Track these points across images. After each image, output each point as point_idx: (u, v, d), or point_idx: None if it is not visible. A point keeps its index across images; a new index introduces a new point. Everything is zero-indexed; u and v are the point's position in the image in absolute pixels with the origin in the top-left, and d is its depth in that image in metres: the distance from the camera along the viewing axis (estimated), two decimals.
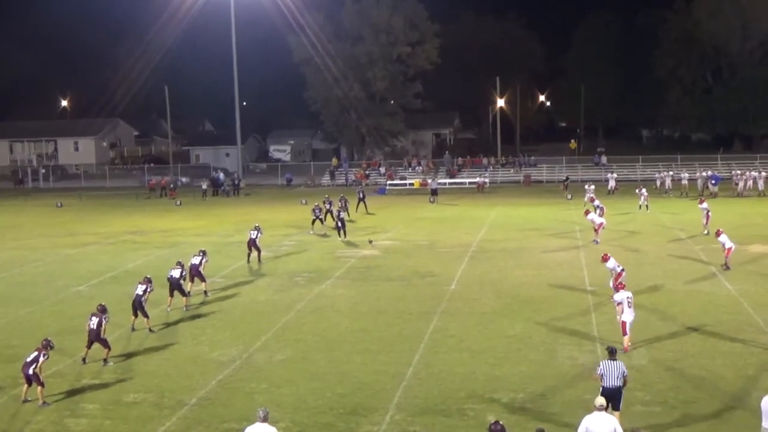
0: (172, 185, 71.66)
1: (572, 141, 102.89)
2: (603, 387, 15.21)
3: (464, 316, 24.67)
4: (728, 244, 29.86)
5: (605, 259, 26.76)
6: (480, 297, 27.27)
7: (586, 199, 50.98)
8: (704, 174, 60.94)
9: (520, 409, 16.90)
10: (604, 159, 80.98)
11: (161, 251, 38.77)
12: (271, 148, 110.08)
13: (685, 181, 60.36)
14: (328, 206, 45.81)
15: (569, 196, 58.45)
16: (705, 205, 40.15)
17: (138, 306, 23.57)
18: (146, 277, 24.56)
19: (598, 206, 43.16)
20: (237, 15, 75.99)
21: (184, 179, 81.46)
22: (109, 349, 20.77)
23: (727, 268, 29.82)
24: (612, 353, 15.77)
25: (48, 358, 18.38)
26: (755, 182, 57.93)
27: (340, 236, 40.63)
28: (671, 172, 64.07)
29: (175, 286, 26.15)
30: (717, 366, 19.34)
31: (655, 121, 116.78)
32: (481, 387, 18.39)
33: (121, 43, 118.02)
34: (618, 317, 20.64)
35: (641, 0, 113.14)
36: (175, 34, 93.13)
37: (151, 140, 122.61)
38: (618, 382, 15.17)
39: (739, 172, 61.92)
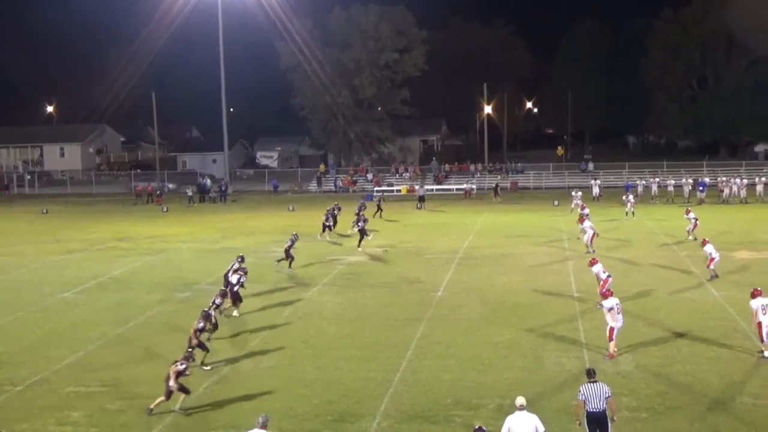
0: (158, 191, 71.38)
1: (559, 148, 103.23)
2: (588, 412, 14.54)
3: (451, 323, 24.67)
4: (714, 254, 29.84)
5: (592, 263, 26.97)
6: (467, 303, 27.27)
7: (572, 205, 51.18)
8: (690, 181, 61.40)
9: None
10: (591, 166, 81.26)
11: (148, 258, 38.63)
12: (258, 154, 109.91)
13: (671, 188, 60.60)
14: (335, 212, 45.58)
15: (498, 199, 63.90)
16: (692, 214, 40.22)
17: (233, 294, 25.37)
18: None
19: (585, 214, 43.19)
20: (225, 21, 75.89)
21: (170, 185, 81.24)
22: (187, 393, 18.12)
23: (715, 276, 29.73)
24: (591, 375, 15.11)
25: (188, 369, 18.04)
26: (740, 189, 58.17)
27: (318, 236, 41.85)
28: (658, 179, 64.33)
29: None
30: (703, 372, 19.41)
31: (641, 128, 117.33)
32: (468, 393, 18.38)
33: (107, 48, 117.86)
34: (608, 323, 20.68)
35: (628, 8, 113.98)
36: (163, 40, 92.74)
37: (138, 146, 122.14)
38: (602, 405, 14.51)
39: (724, 179, 62.33)
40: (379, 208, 52.30)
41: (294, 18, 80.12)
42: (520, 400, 13.93)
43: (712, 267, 29.81)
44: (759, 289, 20.84)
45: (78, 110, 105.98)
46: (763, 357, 20.04)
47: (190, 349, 18.94)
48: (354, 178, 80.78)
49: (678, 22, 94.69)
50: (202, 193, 70.41)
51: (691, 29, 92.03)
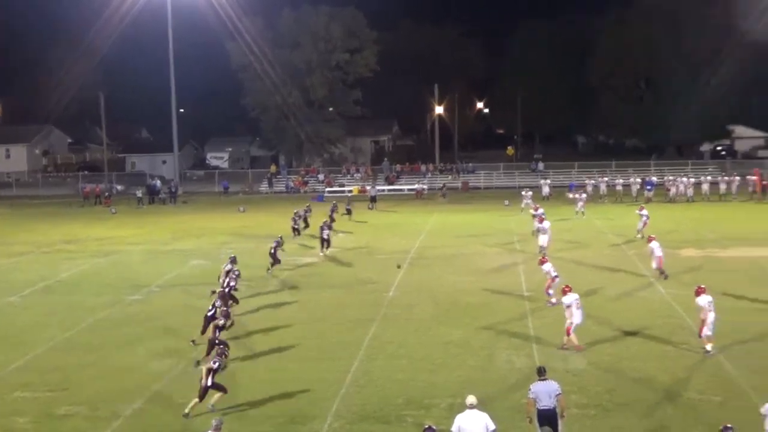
0: (107, 193, 70.50)
1: (509, 147, 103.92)
2: (538, 409, 14.80)
3: (403, 323, 24.73)
4: (658, 252, 29.92)
5: (542, 261, 27.22)
6: (418, 303, 27.36)
7: (522, 205, 51.55)
8: (638, 180, 62.41)
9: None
10: (541, 165, 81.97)
11: (96, 260, 38.12)
12: (209, 155, 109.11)
13: (619, 187, 61.41)
14: (306, 214, 45.08)
15: (444, 200, 64.50)
16: (645, 212, 40.77)
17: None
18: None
19: (536, 215, 42.31)
20: (174, 21, 75.21)
21: (119, 187, 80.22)
22: (224, 392, 17.79)
23: (665, 277, 29.84)
24: (541, 373, 15.36)
25: (222, 365, 17.74)
26: (686, 188, 59.13)
27: (293, 235, 41.24)
28: (606, 178, 65.13)
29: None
30: (651, 368, 19.70)
31: (590, 128, 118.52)
32: (419, 393, 18.43)
33: (54, 48, 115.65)
34: (566, 319, 21.05)
35: (577, 8, 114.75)
36: (111, 40, 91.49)
37: (86, 147, 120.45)
38: (552, 402, 14.79)
39: (671, 178, 63.36)
40: (348, 211, 51.93)
41: (244, 18, 79.63)
42: (471, 399, 14.05)
43: (660, 267, 29.99)
44: (703, 286, 21.20)
45: (24, 111, 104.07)
46: (707, 352, 20.38)
47: (222, 346, 18.79)
48: (305, 179, 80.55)
49: (625, 23, 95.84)
50: (152, 195, 69.64)
51: (638, 29, 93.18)
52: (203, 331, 22.29)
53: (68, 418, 17.57)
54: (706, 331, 20.48)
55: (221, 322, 21.26)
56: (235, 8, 77.08)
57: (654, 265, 30.15)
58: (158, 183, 73.15)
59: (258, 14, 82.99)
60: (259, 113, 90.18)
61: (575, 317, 21.04)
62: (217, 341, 20.09)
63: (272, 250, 33.45)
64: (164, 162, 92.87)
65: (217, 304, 23.04)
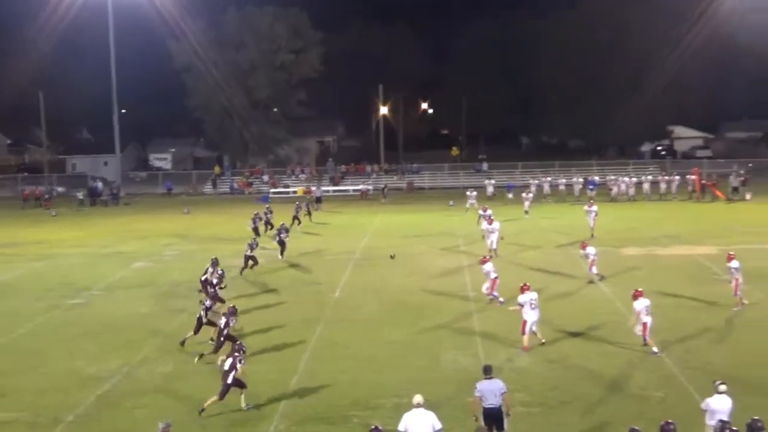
0: (47, 195, 69.29)
1: (454, 148, 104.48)
2: (484, 408, 14.94)
3: (349, 324, 24.74)
4: (592, 255, 30.01)
5: (484, 261, 27.34)
6: (364, 304, 27.38)
7: (467, 205, 51.82)
8: (580, 180, 63.26)
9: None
10: (485, 166, 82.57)
11: (36, 264, 37.43)
12: (152, 156, 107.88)
13: (562, 187, 62.13)
14: (268, 216, 44.74)
15: (385, 200, 65.00)
16: (594, 207, 41.33)
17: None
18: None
19: (484, 215, 41.84)
20: (115, 19, 74.21)
21: (60, 189, 78.85)
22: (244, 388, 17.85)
23: (593, 281, 29.95)
24: (487, 372, 15.45)
25: (243, 362, 17.45)
26: (628, 187, 60.06)
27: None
28: (549, 178, 65.86)
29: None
30: (594, 366, 19.95)
31: (534, 129, 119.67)
32: (365, 394, 18.45)
33: None
34: (522, 317, 21.33)
35: (522, 10, 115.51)
36: (51, 38, 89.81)
37: (25, 149, 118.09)
38: (498, 401, 14.94)
39: (613, 177, 64.35)
40: (308, 212, 51.38)
41: (187, 17, 78.86)
42: (417, 399, 14.13)
43: (596, 271, 30.16)
44: (641, 290, 21.45)
45: None
46: (653, 353, 20.64)
47: (239, 342, 18.58)
48: (249, 180, 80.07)
49: (568, 24, 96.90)
50: (93, 197, 68.63)
51: (581, 31, 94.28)
52: (212, 329, 22.13)
53: (8, 424, 17.23)
54: (648, 333, 20.81)
55: (233, 322, 21.19)
56: (177, 7, 76.28)
57: (592, 270, 30.39)
58: (100, 185, 72.18)
59: (201, 13, 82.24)
60: (203, 114, 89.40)
61: (529, 316, 21.21)
62: (222, 338, 20.53)
63: (248, 252, 33.20)
64: (106, 163, 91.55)
65: (207, 304, 22.77)
